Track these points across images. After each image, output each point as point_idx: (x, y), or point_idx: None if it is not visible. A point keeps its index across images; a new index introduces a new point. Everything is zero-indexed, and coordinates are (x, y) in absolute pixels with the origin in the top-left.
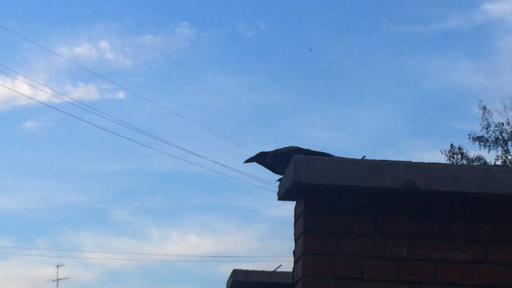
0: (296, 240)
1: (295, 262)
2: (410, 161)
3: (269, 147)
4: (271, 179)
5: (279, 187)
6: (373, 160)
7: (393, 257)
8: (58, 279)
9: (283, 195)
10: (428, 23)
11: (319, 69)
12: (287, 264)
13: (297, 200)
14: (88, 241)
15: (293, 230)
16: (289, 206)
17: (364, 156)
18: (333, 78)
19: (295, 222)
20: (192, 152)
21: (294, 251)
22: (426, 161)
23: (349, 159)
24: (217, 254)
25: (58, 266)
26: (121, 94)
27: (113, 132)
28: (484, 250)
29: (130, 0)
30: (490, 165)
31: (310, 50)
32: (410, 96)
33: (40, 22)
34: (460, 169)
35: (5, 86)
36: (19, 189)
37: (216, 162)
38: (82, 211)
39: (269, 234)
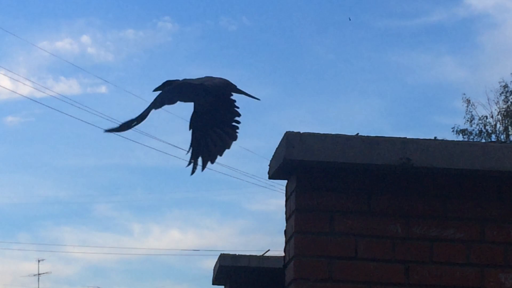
0: (287, 219)
1: (287, 242)
2: (406, 137)
3: (253, 141)
4: (256, 173)
5: (269, 165)
6: (368, 136)
7: (388, 236)
8: (39, 274)
9: (274, 174)
10: (412, 18)
11: (302, 64)
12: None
13: (288, 178)
14: (69, 236)
15: (282, 220)
16: (272, 201)
17: (358, 133)
18: (316, 72)
19: (286, 201)
20: (174, 146)
21: (285, 231)
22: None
23: (343, 135)
24: (199, 248)
25: (39, 261)
26: (103, 89)
27: (95, 126)
28: (481, 228)
29: None
30: (488, 142)
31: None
32: (393, 91)
33: (22, 17)
34: (457, 146)
35: None
36: (0, 184)
37: None
38: (63, 206)
39: (252, 229)
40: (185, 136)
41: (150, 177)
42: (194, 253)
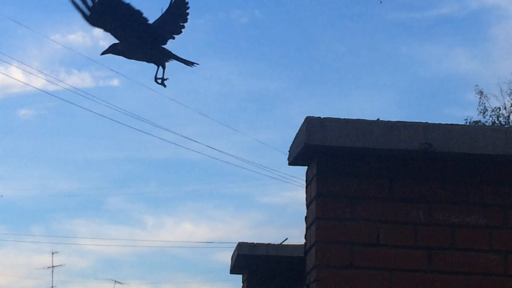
0: (308, 205)
1: (308, 228)
2: (427, 122)
3: (265, 133)
4: (268, 165)
5: (289, 151)
6: (389, 121)
7: (410, 222)
8: (53, 266)
9: (294, 159)
10: (423, 10)
11: (313, 56)
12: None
13: (309, 164)
14: (83, 228)
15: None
16: (285, 193)
17: (379, 118)
18: (327, 65)
19: (307, 187)
20: (188, 138)
21: (306, 217)
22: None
23: (363, 120)
24: (212, 241)
25: (53, 253)
26: (115, 81)
27: (108, 118)
28: (504, 214)
29: None
30: (510, 127)
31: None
32: (405, 83)
33: (34, 9)
34: (479, 131)
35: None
36: (14, 177)
37: (212, 148)
38: (76, 198)
39: (265, 221)
40: (199, 129)
41: (163, 170)
42: (208, 245)
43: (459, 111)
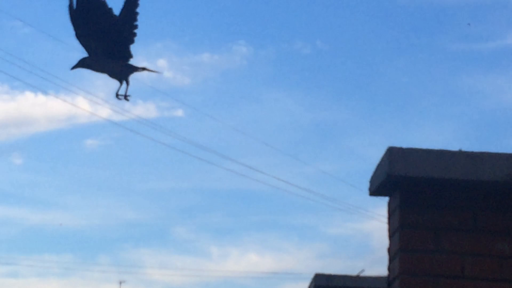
0: (391, 236)
1: (391, 260)
2: None
3: (329, 164)
4: (333, 196)
5: (370, 182)
6: (472, 152)
7: (495, 255)
8: None
9: (375, 190)
10: (486, 41)
11: (376, 87)
12: None
13: (391, 195)
14: (149, 258)
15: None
16: (351, 225)
17: (461, 149)
18: (390, 96)
19: (389, 218)
20: (252, 168)
21: (388, 249)
22: None
23: (447, 151)
24: (278, 272)
25: (120, 283)
26: (179, 112)
27: (173, 148)
28: None
29: (187, 19)
30: None
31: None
32: (468, 114)
33: None
34: None
35: (66, 102)
36: (80, 206)
37: (277, 178)
38: (142, 228)
39: (330, 252)
40: (263, 159)
41: (228, 200)
42: (274, 276)
43: None
